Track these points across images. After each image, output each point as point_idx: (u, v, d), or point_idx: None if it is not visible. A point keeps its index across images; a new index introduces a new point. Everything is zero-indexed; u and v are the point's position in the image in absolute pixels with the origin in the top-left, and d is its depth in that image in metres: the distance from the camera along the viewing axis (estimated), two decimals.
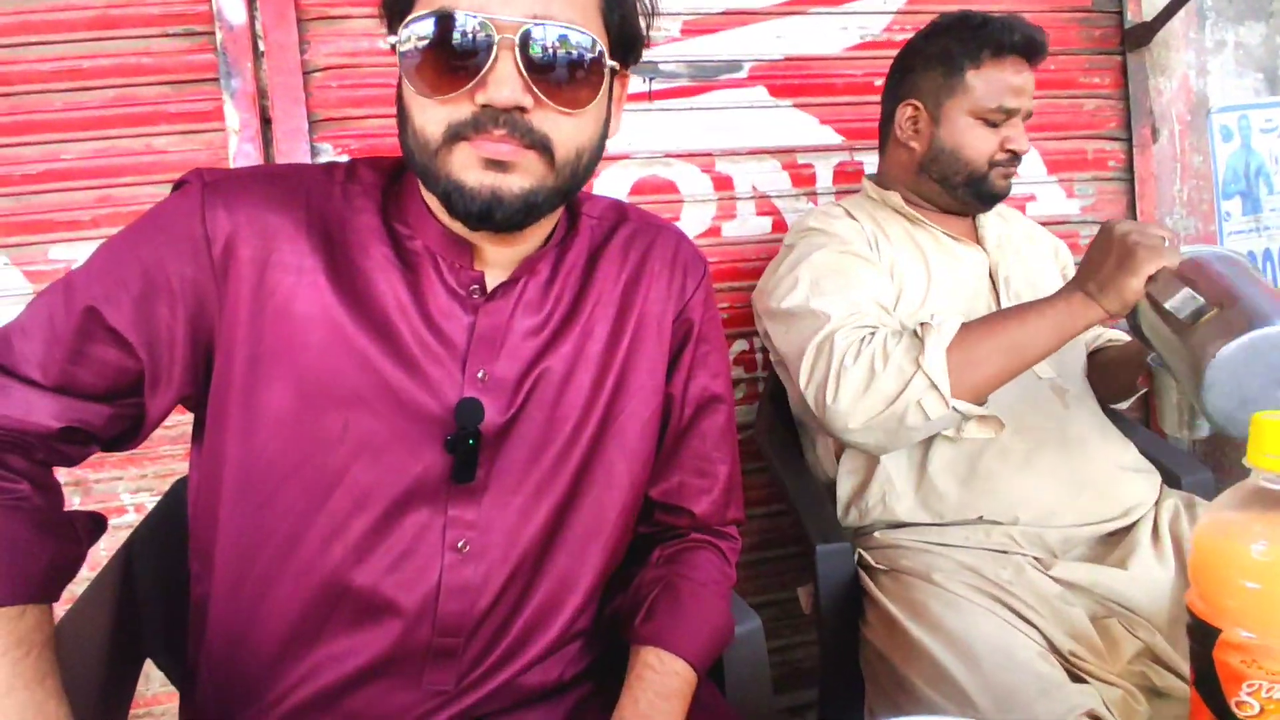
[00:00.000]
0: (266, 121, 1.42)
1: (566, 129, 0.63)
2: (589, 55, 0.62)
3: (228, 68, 1.39)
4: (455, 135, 0.61)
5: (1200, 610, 0.39)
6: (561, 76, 0.61)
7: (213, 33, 1.39)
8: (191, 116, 1.40)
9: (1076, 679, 0.89)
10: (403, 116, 0.65)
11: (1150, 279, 0.90)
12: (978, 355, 0.97)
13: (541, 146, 0.62)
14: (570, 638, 0.74)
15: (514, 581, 0.69)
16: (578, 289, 0.74)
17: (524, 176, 0.62)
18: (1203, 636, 0.39)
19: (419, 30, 0.60)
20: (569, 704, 0.74)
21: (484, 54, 0.59)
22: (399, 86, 0.65)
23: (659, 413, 0.78)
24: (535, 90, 0.60)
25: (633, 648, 0.73)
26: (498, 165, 0.61)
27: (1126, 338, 1.32)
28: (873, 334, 1.01)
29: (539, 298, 0.72)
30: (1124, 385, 1.23)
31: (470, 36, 0.59)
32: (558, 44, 0.60)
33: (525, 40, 0.59)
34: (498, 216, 0.62)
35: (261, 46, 1.41)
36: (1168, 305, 0.85)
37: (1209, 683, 0.39)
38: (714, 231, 1.62)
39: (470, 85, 0.59)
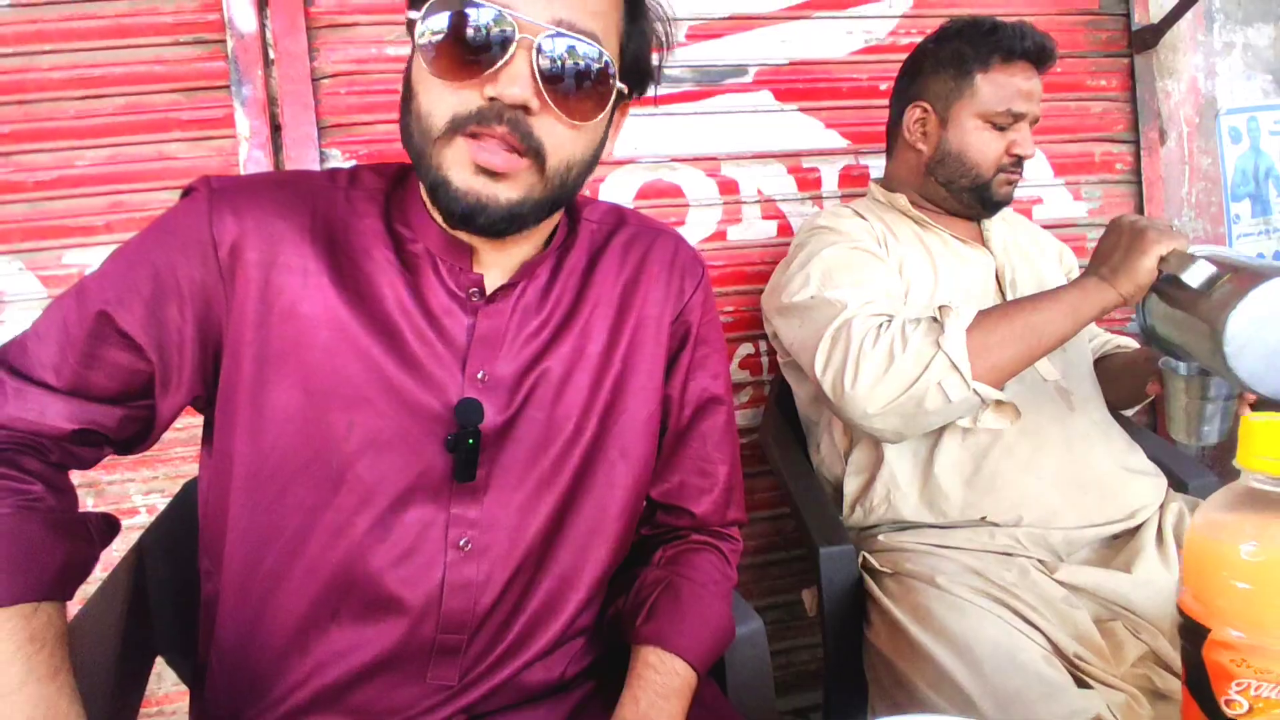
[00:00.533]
0: (276, 128, 1.43)
1: (563, 139, 0.64)
2: (600, 71, 0.64)
3: (238, 75, 1.41)
4: (457, 126, 0.61)
5: (1191, 610, 0.40)
6: (570, 86, 0.62)
7: (224, 41, 1.41)
8: (203, 123, 1.42)
9: (1081, 682, 0.89)
10: (408, 96, 0.65)
11: (1162, 259, 0.93)
12: (996, 338, 0.97)
13: (535, 153, 0.63)
14: (572, 635, 0.75)
15: (516, 579, 0.70)
16: (577, 291, 0.75)
17: (512, 187, 0.63)
18: (1193, 636, 0.39)
19: (444, 13, 0.61)
20: (571, 703, 0.74)
21: (501, 49, 0.60)
22: (408, 68, 0.66)
23: (658, 414, 0.78)
24: (544, 94, 0.61)
25: (634, 648, 0.73)
26: (489, 174, 0.62)
27: (1135, 344, 1.32)
28: (889, 320, 1.02)
29: (538, 300, 0.73)
30: (1132, 392, 1.23)
31: (492, 30, 0.60)
32: (574, 54, 0.62)
33: (546, 45, 0.61)
34: (480, 221, 0.64)
35: (271, 54, 1.43)
36: (1183, 276, 0.88)
37: (1199, 681, 0.39)
38: (719, 235, 1.63)
39: (482, 76, 0.60)
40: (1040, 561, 1.05)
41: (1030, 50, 1.15)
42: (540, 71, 0.61)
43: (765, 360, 1.66)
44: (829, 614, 1.09)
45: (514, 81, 0.60)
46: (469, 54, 0.60)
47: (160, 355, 0.64)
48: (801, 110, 1.65)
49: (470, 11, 0.60)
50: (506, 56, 0.60)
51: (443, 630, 0.67)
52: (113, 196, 1.41)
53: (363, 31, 1.47)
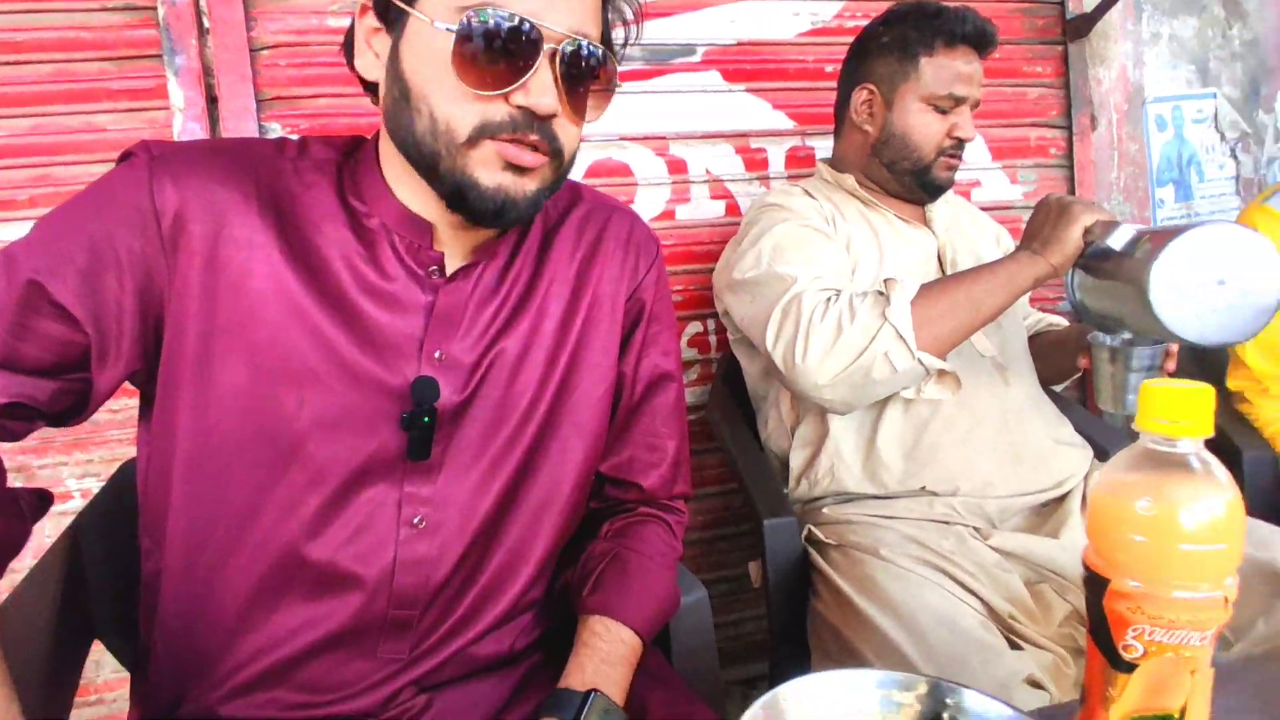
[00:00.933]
0: (213, 100, 1.39)
1: (573, 136, 0.67)
2: (605, 72, 0.67)
3: (171, 44, 1.36)
4: (485, 133, 0.62)
5: (1094, 564, 0.43)
6: (581, 89, 0.65)
7: (154, 8, 1.35)
8: (134, 94, 1.37)
9: (1013, 644, 0.95)
10: (410, 100, 0.63)
11: (1087, 230, 0.99)
12: (939, 309, 1.02)
13: (556, 153, 0.65)
14: (522, 609, 0.76)
15: (468, 555, 0.70)
16: (533, 270, 0.75)
17: (535, 180, 0.65)
18: (1096, 587, 0.42)
19: (475, 22, 0.60)
20: (519, 674, 0.76)
21: (530, 59, 0.61)
22: (396, 66, 0.64)
23: (611, 390, 0.79)
24: (564, 100, 0.64)
25: (581, 617, 0.75)
26: (517, 170, 0.64)
27: (1066, 322, 1.38)
28: (837, 294, 1.05)
29: (496, 280, 0.73)
30: (1062, 367, 1.29)
31: (522, 41, 0.61)
32: (586, 60, 0.64)
33: (566, 53, 0.62)
34: (510, 217, 0.66)
35: (206, 23, 1.38)
36: (1108, 241, 0.96)
37: (1101, 629, 0.42)
38: (668, 214, 1.64)
39: (511, 87, 0.61)
40: (975, 529, 1.10)
41: (972, 34, 1.18)
42: (562, 79, 0.63)
43: (714, 338, 1.68)
44: (773, 584, 1.12)
45: (545, 92, 0.62)
46: (498, 63, 0.61)
47: (97, 328, 0.62)
48: (749, 91, 1.67)
49: (503, 22, 0.60)
50: (534, 68, 0.61)
51: (394, 606, 0.67)
52: (38, 169, 1.35)
53: (302, 1, 1.43)
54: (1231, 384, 1.39)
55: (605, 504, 0.85)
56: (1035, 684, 0.87)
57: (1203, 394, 0.40)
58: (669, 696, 0.74)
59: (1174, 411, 0.40)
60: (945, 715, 0.42)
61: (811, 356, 1.02)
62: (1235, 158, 2.04)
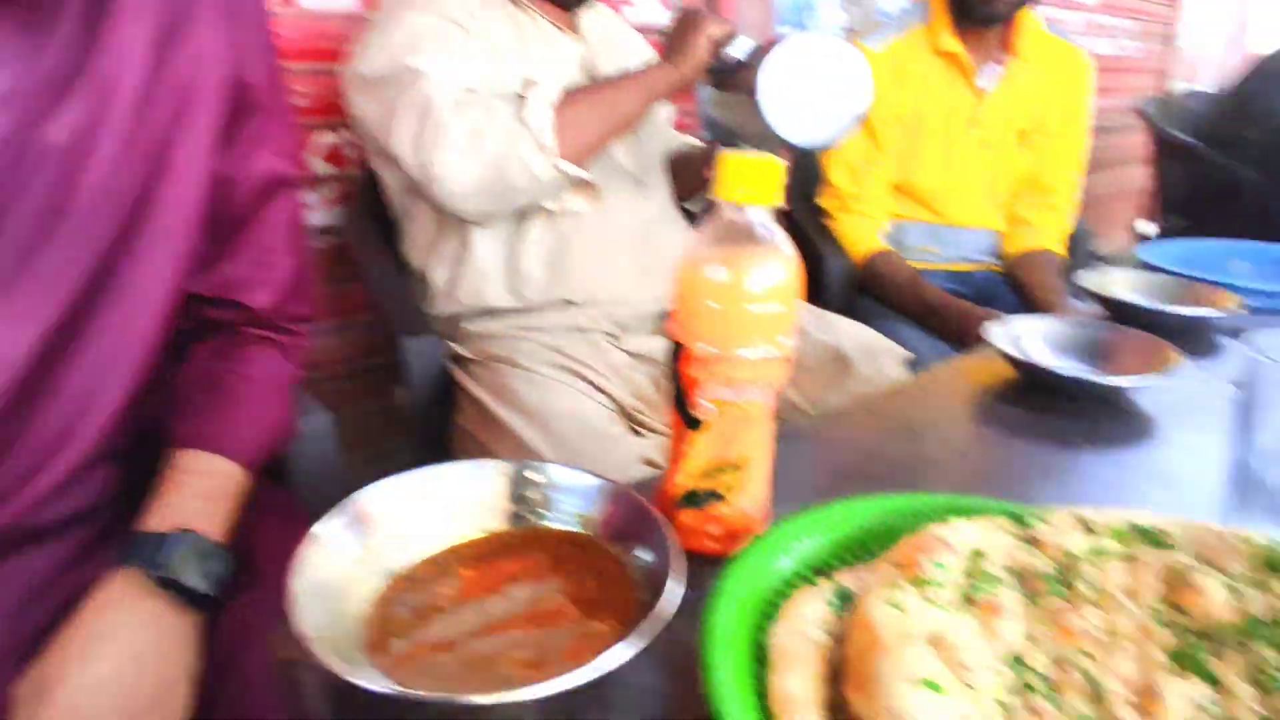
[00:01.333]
0: None
1: None
2: None
3: None
4: None
5: (675, 333, 0.45)
6: None
7: None
8: None
9: (638, 433, 1.04)
10: None
11: (714, 42, 1.03)
12: (580, 117, 1.01)
13: None
14: (96, 461, 0.63)
15: (8, 413, 0.55)
16: (89, 31, 0.55)
17: None
18: (674, 355, 0.45)
19: None
20: (93, 533, 0.64)
21: None
22: None
23: (208, 196, 0.65)
24: None
25: (169, 452, 0.64)
26: None
27: (703, 145, 1.46)
28: (475, 95, 0.99)
29: (25, 35, 0.53)
30: (694, 181, 1.37)
31: None
32: None
33: None
34: None
35: None
36: (729, 50, 1.02)
37: (679, 394, 0.45)
38: (287, 0, 1.37)
39: None
40: (610, 335, 1.16)
41: None
42: None
43: (351, 152, 1.50)
44: (417, 401, 1.10)
45: None
46: None
47: None
48: None
49: None
50: None
51: None
52: None
53: None
54: (821, 201, 1.61)
55: (197, 325, 0.72)
56: (651, 463, 0.98)
57: (769, 165, 0.42)
58: (283, 524, 0.67)
59: (743, 180, 0.42)
60: (531, 493, 0.43)
61: (450, 163, 0.96)
62: (846, 10, 2.29)
